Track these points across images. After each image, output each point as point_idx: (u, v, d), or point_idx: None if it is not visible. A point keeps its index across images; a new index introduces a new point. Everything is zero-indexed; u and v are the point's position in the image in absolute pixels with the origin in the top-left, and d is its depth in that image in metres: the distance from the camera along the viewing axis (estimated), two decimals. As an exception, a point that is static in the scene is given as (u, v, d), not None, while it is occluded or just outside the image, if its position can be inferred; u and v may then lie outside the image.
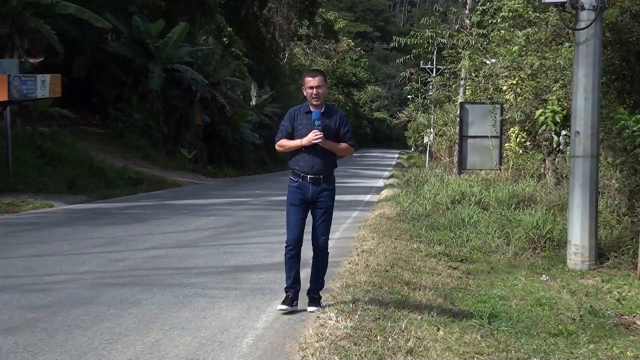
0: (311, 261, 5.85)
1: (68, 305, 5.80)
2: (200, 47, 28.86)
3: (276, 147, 5.74)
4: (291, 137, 5.64)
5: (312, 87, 5.54)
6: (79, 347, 4.70)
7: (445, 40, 24.56)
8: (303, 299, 5.81)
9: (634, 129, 8.47)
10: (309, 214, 5.74)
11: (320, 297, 5.77)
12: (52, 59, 20.65)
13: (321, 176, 5.62)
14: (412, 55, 30.51)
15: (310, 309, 5.65)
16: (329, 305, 5.69)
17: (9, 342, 4.75)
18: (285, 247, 5.68)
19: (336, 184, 5.72)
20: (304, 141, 5.53)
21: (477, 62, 19.34)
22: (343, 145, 5.67)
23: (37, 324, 5.20)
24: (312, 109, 5.58)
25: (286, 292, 5.74)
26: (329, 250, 5.85)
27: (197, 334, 5.06)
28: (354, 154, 61.94)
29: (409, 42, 27.00)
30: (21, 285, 6.50)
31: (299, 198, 5.63)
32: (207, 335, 5.05)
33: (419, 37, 25.76)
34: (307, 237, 5.77)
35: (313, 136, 5.48)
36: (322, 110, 5.60)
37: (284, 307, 5.67)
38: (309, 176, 5.59)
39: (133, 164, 21.91)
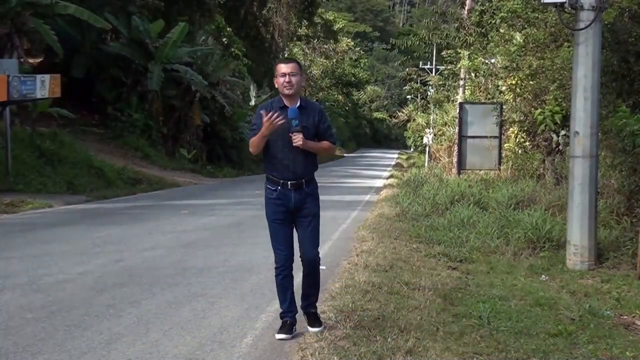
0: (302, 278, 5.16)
1: (67, 305, 5.80)
2: (200, 47, 28.87)
3: (250, 149, 5.01)
4: None
5: (284, 74, 4.84)
6: (78, 347, 4.70)
7: (441, 41, 24.65)
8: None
9: (635, 127, 8.48)
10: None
11: (317, 311, 5.17)
12: (52, 59, 20.67)
13: (303, 180, 4.93)
14: (409, 57, 30.65)
15: (313, 330, 5.01)
16: (328, 305, 5.69)
17: (9, 342, 4.75)
18: (275, 269, 5.06)
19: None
20: (264, 130, 4.76)
21: (477, 62, 19.36)
22: (325, 144, 4.98)
23: (37, 324, 5.20)
24: (286, 103, 4.88)
25: (282, 318, 5.08)
26: (321, 265, 5.20)
27: (196, 334, 5.06)
28: (352, 154, 61.82)
29: (407, 44, 27.10)
30: (20, 285, 6.51)
31: (281, 211, 4.94)
32: (207, 335, 5.05)
33: (416, 38, 25.82)
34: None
35: (270, 123, 4.71)
36: (298, 104, 4.89)
37: (283, 336, 4.98)
38: (289, 182, 4.89)
39: (132, 164, 21.92)
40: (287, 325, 5.04)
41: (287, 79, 4.85)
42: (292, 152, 4.86)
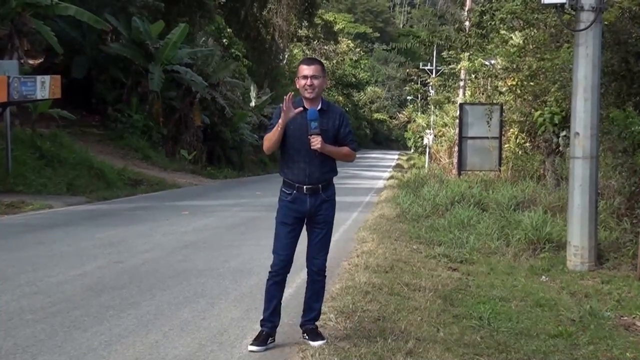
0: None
1: (67, 306, 5.79)
2: (200, 49, 28.88)
3: (264, 147, 4.87)
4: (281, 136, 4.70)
5: (305, 77, 4.63)
6: (78, 348, 4.70)
7: (442, 42, 24.65)
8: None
9: (638, 128, 8.49)
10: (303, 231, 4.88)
11: (317, 328, 4.90)
12: (52, 60, 20.69)
13: (320, 185, 4.75)
14: (409, 59, 30.75)
15: (315, 343, 4.72)
16: (329, 306, 5.68)
17: (9, 343, 4.75)
18: (270, 272, 4.80)
19: (336, 185, 4.91)
20: (281, 122, 4.61)
21: (477, 63, 19.36)
22: (345, 149, 4.78)
23: (37, 325, 5.20)
24: (306, 105, 4.67)
25: (261, 325, 4.81)
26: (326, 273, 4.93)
27: (196, 335, 5.06)
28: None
29: (407, 46, 27.17)
30: (20, 286, 6.50)
31: (293, 216, 4.74)
32: (207, 336, 5.05)
33: (415, 40, 25.84)
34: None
35: (287, 110, 4.58)
36: (319, 107, 4.69)
37: (255, 348, 4.69)
38: (305, 187, 4.70)
39: (132, 165, 21.91)
40: (263, 337, 4.77)
41: (308, 82, 4.64)
42: (309, 156, 4.66)
